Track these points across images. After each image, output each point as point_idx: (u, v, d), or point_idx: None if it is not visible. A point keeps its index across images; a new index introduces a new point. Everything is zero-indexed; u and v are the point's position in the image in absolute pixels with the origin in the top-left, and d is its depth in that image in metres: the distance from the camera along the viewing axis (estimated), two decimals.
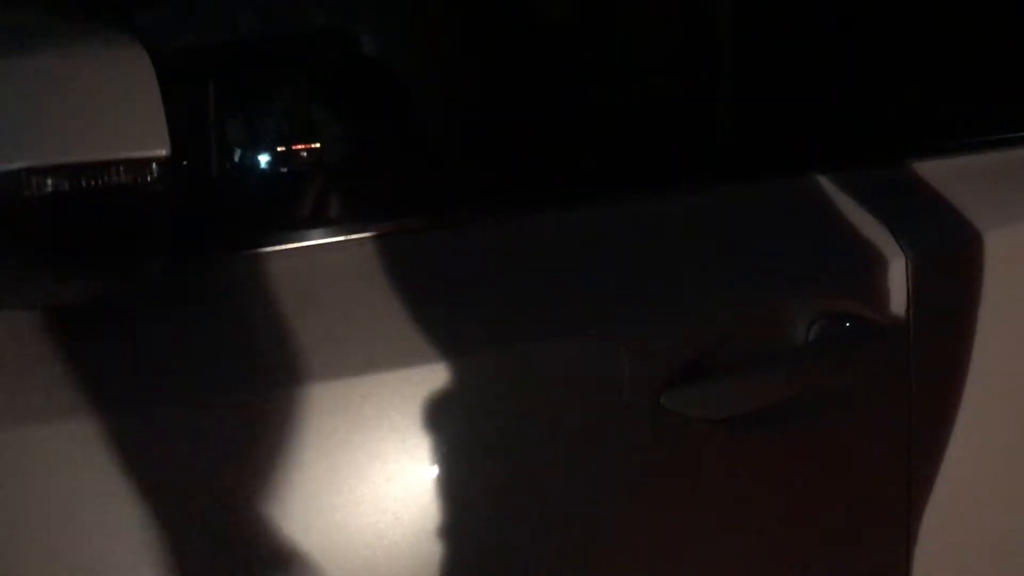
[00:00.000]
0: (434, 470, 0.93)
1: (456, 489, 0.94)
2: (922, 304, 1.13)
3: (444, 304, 0.98)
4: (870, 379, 1.12)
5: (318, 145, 1.10)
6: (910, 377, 1.13)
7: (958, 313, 1.19)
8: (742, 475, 1.07)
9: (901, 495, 1.15)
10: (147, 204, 0.67)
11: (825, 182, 1.19)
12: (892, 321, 1.12)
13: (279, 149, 1.08)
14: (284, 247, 0.96)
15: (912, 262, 1.13)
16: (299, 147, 1.08)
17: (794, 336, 1.07)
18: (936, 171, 1.24)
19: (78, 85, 0.67)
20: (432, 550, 0.93)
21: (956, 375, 1.18)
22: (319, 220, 1.02)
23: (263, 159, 1.08)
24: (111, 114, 0.67)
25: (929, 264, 1.15)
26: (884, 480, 1.15)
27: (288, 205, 1.07)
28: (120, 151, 0.66)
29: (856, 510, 1.13)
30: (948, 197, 1.23)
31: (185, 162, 0.89)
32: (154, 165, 0.66)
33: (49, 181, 0.64)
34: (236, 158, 1.05)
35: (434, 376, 0.93)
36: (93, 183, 0.65)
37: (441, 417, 0.93)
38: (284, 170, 1.08)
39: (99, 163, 0.65)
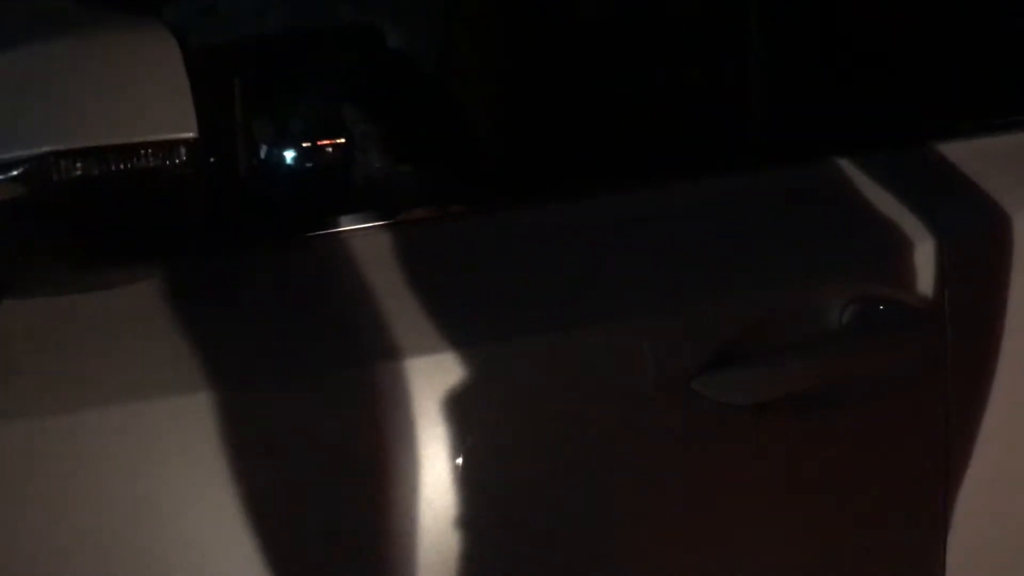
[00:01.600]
0: (463, 457, 0.93)
1: (485, 477, 0.94)
2: (953, 286, 1.13)
3: (471, 292, 0.98)
4: (903, 362, 1.11)
5: (342, 140, 1.10)
6: (945, 359, 1.12)
7: (989, 295, 1.18)
8: (774, 460, 1.06)
9: (937, 479, 1.14)
10: (175, 187, 0.67)
11: (851, 166, 1.18)
12: (924, 304, 1.11)
13: (305, 144, 1.08)
14: (312, 234, 0.96)
15: (942, 244, 1.12)
16: (325, 142, 1.09)
17: (827, 320, 1.07)
18: (963, 152, 1.23)
19: (105, 69, 0.67)
20: (462, 537, 0.93)
21: (988, 357, 1.17)
22: (346, 209, 1.01)
23: (289, 154, 1.08)
24: (138, 97, 0.67)
25: (959, 246, 1.14)
26: (919, 464, 1.14)
27: (315, 196, 1.07)
28: (148, 133, 0.66)
29: (890, 494, 1.13)
30: (976, 179, 1.22)
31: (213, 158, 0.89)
32: (182, 148, 0.66)
33: (78, 164, 0.64)
34: (262, 153, 1.05)
35: (463, 363, 0.93)
36: (121, 166, 0.65)
37: (470, 404, 0.93)
38: (310, 165, 1.08)
39: (127, 146, 0.65)
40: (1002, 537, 1.23)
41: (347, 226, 0.98)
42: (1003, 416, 1.17)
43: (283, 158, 1.08)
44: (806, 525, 1.09)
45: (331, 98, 1.12)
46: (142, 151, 0.65)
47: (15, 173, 0.62)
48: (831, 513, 1.10)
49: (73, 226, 0.67)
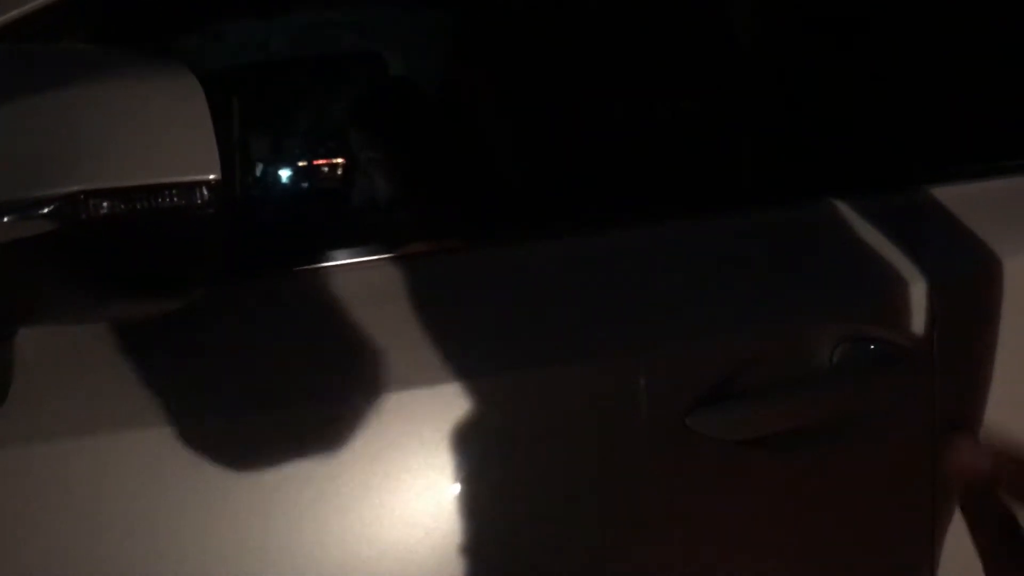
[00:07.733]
0: (461, 486, 0.95)
1: (481, 506, 0.96)
2: (943, 327, 1.14)
3: (472, 324, 1.00)
4: (893, 401, 1.12)
5: (341, 161, 1.12)
6: (933, 399, 1.14)
7: (978, 337, 1.19)
8: (765, 496, 1.08)
9: (924, 517, 1.15)
10: (197, 226, 0.69)
11: (845, 207, 1.20)
12: (915, 344, 1.12)
13: (304, 167, 1.10)
14: (314, 266, 0.99)
15: (933, 286, 1.14)
16: (323, 163, 1.11)
17: (818, 359, 1.08)
18: (956, 196, 1.25)
19: (133, 111, 0.69)
20: (458, 566, 0.95)
21: (977, 398, 1.19)
22: (349, 240, 1.04)
23: (292, 179, 1.10)
24: (164, 139, 0.69)
25: (950, 288, 1.15)
26: (907, 502, 1.15)
27: (317, 225, 1.10)
28: (172, 175, 0.68)
29: (879, 532, 1.14)
30: (968, 222, 1.23)
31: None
32: (204, 189, 0.69)
33: (105, 204, 0.66)
34: (264, 177, 1.07)
35: (462, 394, 0.95)
36: (146, 205, 0.67)
37: (469, 434, 0.95)
38: (307, 186, 1.10)
39: (152, 186, 0.67)
40: None
41: (350, 258, 1.00)
42: None
43: (286, 185, 1.10)
44: (794, 560, 1.10)
45: (338, 125, 1.14)
46: (166, 191, 0.67)
47: (46, 211, 0.65)
48: (819, 548, 1.11)
49: (98, 261, 0.70)
